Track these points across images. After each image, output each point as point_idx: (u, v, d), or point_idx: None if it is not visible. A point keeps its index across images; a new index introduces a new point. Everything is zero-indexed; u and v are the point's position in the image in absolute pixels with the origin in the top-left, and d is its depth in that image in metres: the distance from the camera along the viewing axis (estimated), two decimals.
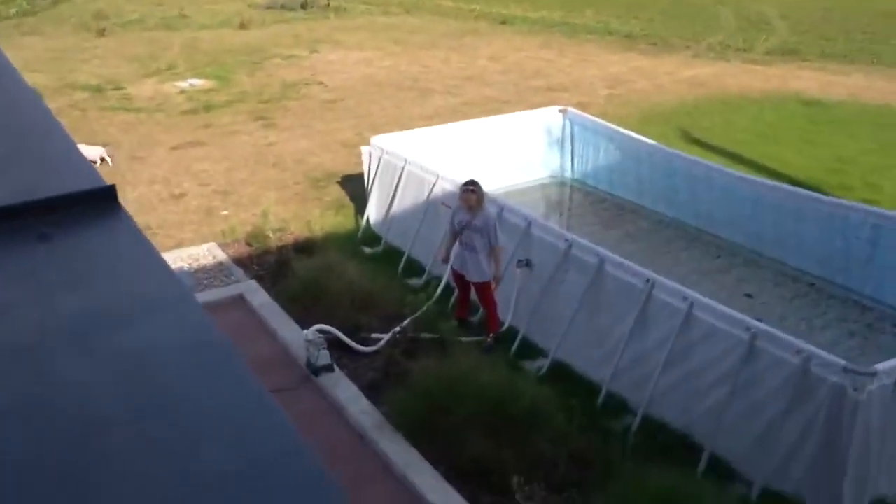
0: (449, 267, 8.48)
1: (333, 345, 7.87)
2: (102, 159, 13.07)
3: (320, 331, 7.80)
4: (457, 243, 8.16)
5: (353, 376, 7.58)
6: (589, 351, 7.56)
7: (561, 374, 7.67)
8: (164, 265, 1.65)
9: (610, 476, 5.87)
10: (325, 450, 6.53)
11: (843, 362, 5.38)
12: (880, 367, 5.38)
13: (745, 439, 6.10)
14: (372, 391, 7.26)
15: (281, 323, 8.49)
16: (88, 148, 12.46)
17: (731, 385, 6.07)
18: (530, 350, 8.12)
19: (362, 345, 8.01)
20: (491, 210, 8.14)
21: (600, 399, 7.14)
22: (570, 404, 6.81)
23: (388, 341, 7.94)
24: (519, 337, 8.16)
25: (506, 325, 8.52)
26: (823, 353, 5.55)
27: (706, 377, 6.40)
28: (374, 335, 8.17)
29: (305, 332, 7.75)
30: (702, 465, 6.15)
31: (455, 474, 6.14)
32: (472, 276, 8.11)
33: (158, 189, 12.41)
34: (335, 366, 7.62)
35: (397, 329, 8.03)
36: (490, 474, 6.01)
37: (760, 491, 5.86)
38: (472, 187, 7.93)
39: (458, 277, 8.36)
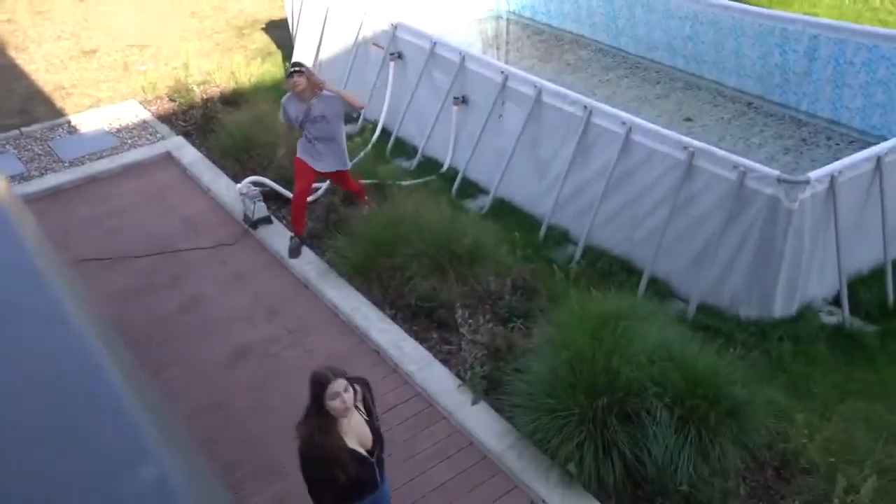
0: (302, 153, 6.87)
1: (270, 197, 7.67)
2: None
3: (254, 183, 7.56)
4: (303, 140, 6.79)
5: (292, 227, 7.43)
6: (530, 185, 7.50)
7: (503, 211, 7.64)
8: None
9: (554, 304, 5.98)
10: (270, 301, 6.50)
11: (776, 173, 5.40)
12: (812, 175, 5.43)
13: (684, 259, 6.22)
14: (313, 240, 7.15)
15: (213, 178, 8.20)
16: None
17: (669, 206, 6.10)
18: (471, 188, 8.03)
19: None
20: (328, 93, 6.57)
21: (542, 231, 7.16)
22: (512, 238, 6.83)
23: (325, 189, 7.75)
24: (459, 176, 8.03)
25: (446, 166, 8.37)
26: (758, 167, 5.56)
27: (645, 201, 6.42)
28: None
29: (239, 185, 7.50)
30: (642, 288, 6.29)
31: (402, 315, 6.19)
32: (332, 166, 6.88)
33: (67, 45, 11.53)
34: (273, 217, 7.45)
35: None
36: (436, 311, 6.07)
37: (697, 307, 6.05)
38: (297, 69, 6.46)
39: (306, 172, 6.86)
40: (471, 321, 6.06)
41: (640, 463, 4.51)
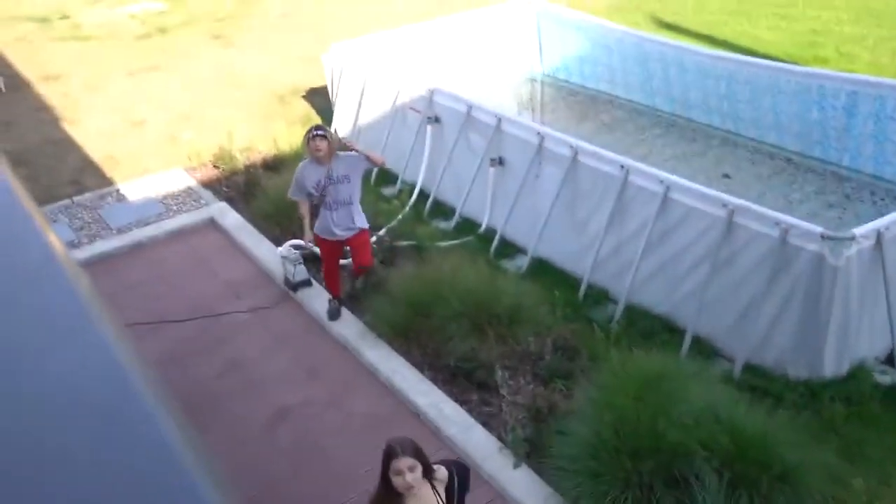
0: (321, 229, 6.61)
1: (310, 260, 7.76)
2: None
3: (295, 246, 7.67)
4: (322, 211, 6.46)
5: None
6: (568, 244, 7.49)
7: (542, 270, 7.62)
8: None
9: (595, 364, 5.89)
10: (310, 363, 6.52)
11: (820, 229, 5.32)
12: (857, 231, 5.33)
13: (727, 317, 6.11)
14: (352, 302, 7.19)
15: (255, 242, 8.35)
16: None
17: (710, 264, 6.03)
18: (510, 248, 8.05)
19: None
20: (345, 153, 6.38)
21: (582, 291, 7.11)
22: (552, 298, 6.79)
23: None
24: (497, 236, 8.06)
25: (484, 226, 8.42)
26: (801, 223, 5.49)
27: (686, 259, 6.35)
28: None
29: (280, 248, 7.62)
30: (685, 347, 6.18)
31: (441, 376, 6.15)
32: (348, 232, 6.53)
33: (117, 118, 11.99)
34: (313, 280, 7.53)
35: (374, 238, 7.90)
36: (476, 372, 6.02)
37: (743, 366, 5.91)
38: (320, 132, 6.20)
39: (331, 249, 6.75)
40: (511, 382, 6.00)
41: None
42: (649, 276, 6.66)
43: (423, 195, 9.08)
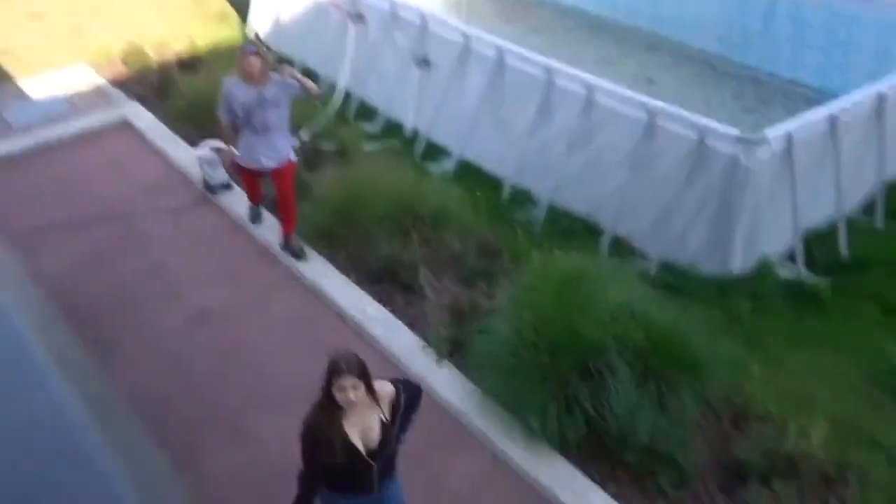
0: (244, 153, 6.08)
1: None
2: None
3: (213, 148, 7.42)
4: (245, 136, 5.96)
5: None
6: (493, 147, 7.49)
7: (467, 173, 7.63)
8: None
9: (517, 265, 6.01)
10: (232, 266, 6.44)
11: (736, 132, 5.46)
12: (769, 133, 5.50)
13: (645, 218, 6.28)
14: (275, 206, 7.06)
15: (170, 144, 8.04)
16: None
17: (631, 166, 6.15)
18: (435, 151, 8.00)
19: None
20: (279, 76, 5.77)
21: (505, 193, 7.17)
22: (476, 200, 6.83)
23: None
24: (422, 139, 7.98)
25: (409, 129, 8.31)
26: (717, 126, 5.62)
27: (607, 161, 6.45)
28: None
29: (197, 150, 7.37)
30: (604, 247, 6.35)
31: (365, 279, 6.17)
32: (273, 162, 6.02)
33: (15, 7, 11.12)
34: (233, 183, 7.34)
35: (296, 141, 7.71)
36: (400, 274, 6.06)
37: (659, 265, 6.13)
38: (253, 49, 5.72)
39: (253, 179, 6.44)
40: (435, 283, 6.07)
41: (602, 418, 4.58)
42: (572, 177, 6.76)
43: (347, 97, 8.86)
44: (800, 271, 6.07)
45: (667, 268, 6.15)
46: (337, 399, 3.12)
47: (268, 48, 9.82)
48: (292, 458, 4.69)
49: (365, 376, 3.15)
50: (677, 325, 4.88)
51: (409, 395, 3.45)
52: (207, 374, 5.37)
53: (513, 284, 5.49)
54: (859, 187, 6.76)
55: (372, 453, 3.25)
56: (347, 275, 6.23)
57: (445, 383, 5.19)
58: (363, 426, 3.24)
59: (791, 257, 6.23)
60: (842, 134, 6.02)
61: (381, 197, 6.39)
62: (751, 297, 5.79)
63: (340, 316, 5.86)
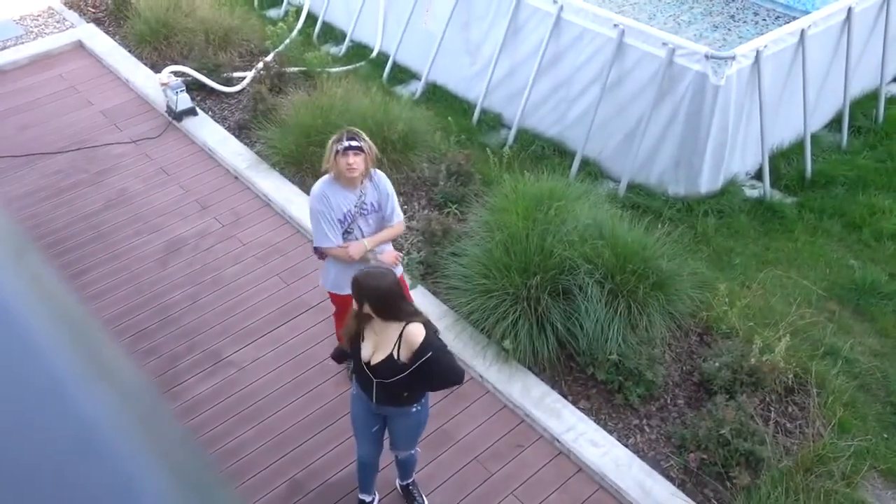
0: (329, 279, 4.39)
1: (193, 87, 7.36)
2: None
3: (176, 73, 7.23)
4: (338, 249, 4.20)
5: (220, 118, 7.20)
6: (462, 69, 7.37)
7: (435, 96, 7.53)
8: None
9: (488, 188, 6.02)
10: (201, 194, 6.37)
11: (704, 49, 5.43)
12: (738, 50, 5.48)
13: (615, 139, 6.29)
14: (242, 131, 6.95)
15: (130, 68, 7.79)
16: None
17: (601, 86, 6.10)
18: (403, 74, 7.86)
19: (224, 84, 7.52)
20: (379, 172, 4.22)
21: (475, 116, 7.11)
22: (446, 124, 6.77)
23: (252, 78, 7.48)
24: (390, 62, 7.83)
25: (376, 51, 8.13)
26: (687, 43, 5.58)
27: (577, 82, 6.40)
28: (235, 74, 7.65)
29: (159, 75, 7.16)
30: (574, 169, 6.37)
31: None
32: None
33: None
34: (198, 109, 7.18)
35: (260, 65, 7.53)
36: None
37: (627, 186, 6.18)
38: (357, 142, 3.94)
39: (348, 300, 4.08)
40: (406, 208, 6.07)
41: (572, 336, 4.69)
42: (541, 99, 6.70)
43: (312, 18, 8.62)
44: (766, 190, 6.16)
45: (635, 188, 6.20)
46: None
47: None
48: (268, 382, 4.79)
49: (376, 305, 3.30)
50: (645, 244, 4.97)
51: (431, 364, 3.29)
52: (182, 303, 5.37)
53: (484, 207, 5.52)
54: (826, 105, 6.82)
55: (371, 367, 3.38)
56: None
57: (419, 305, 5.24)
58: (377, 341, 3.39)
59: (758, 176, 6.31)
60: (809, 51, 6.02)
61: (348, 121, 6.29)
62: (717, 215, 5.89)
63: (311, 241, 5.84)
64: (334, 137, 3.95)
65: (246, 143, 6.82)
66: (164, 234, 5.95)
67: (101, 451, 0.62)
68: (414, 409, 3.56)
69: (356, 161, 3.90)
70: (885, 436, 4.40)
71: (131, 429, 0.67)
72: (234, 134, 6.92)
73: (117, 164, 6.70)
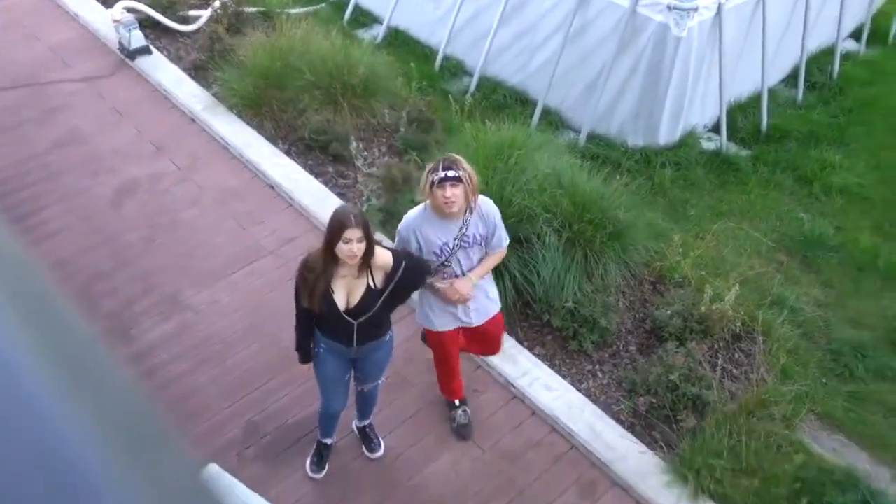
0: (435, 311, 3.96)
1: (147, 25, 7.13)
2: None
3: (129, 9, 6.98)
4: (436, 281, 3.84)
5: (175, 58, 7.01)
6: (424, 14, 7.27)
7: (397, 41, 7.43)
8: None
9: (449, 136, 5.99)
10: (155, 135, 6.23)
11: (667, 0, 5.43)
12: (700, 2, 5.50)
13: (576, 89, 6.30)
14: (198, 72, 6.78)
15: (80, 2, 7.51)
16: None
17: (563, 35, 6.08)
18: (364, 18, 7.73)
19: (180, 23, 7.29)
20: (481, 196, 3.75)
21: (438, 62, 7.04)
22: (407, 70, 6.69)
23: (208, 17, 7.26)
24: (351, 4, 7.68)
25: None
26: None
27: (540, 30, 6.37)
28: (191, 12, 7.42)
29: (111, 11, 6.91)
30: (535, 118, 6.37)
31: (295, 149, 6.08)
32: (480, 316, 3.97)
33: None
34: (152, 47, 6.97)
35: (217, 3, 7.31)
36: (331, 145, 5.98)
37: (588, 136, 6.21)
38: (454, 171, 3.49)
39: (452, 340, 4.08)
40: (366, 154, 6.03)
41: (529, 284, 4.76)
42: (504, 47, 6.66)
43: None
44: (722, 142, 6.25)
45: (595, 139, 6.24)
46: (338, 251, 3.17)
47: None
48: (226, 325, 4.78)
49: (368, 233, 3.20)
50: (603, 194, 5.02)
51: (411, 271, 3.42)
52: (138, 245, 5.29)
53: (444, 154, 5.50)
54: (783, 60, 6.90)
55: (350, 312, 3.37)
56: (276, 144, 6.11)
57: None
58: (350, 284, 3.34)
59: (715, 128, 6.40)
60: (769, 5, 6.06)
61: (308, 64, 6.18)
62: (674, 167, 5.97)
63: (270, 186, 5.80)
64: (430, 166, 3.54)
65: (202, 85, 6.66)
66: (118, 175, 5.83)
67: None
68: (387, 338, 3.64)
69: (454, 194, 3.46)
70: (824, 381, 4.59)
71: (59, 380, 0.58)
72: (189, 75, 6.74)
73: (68, 102, 6.49)
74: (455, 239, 3.66)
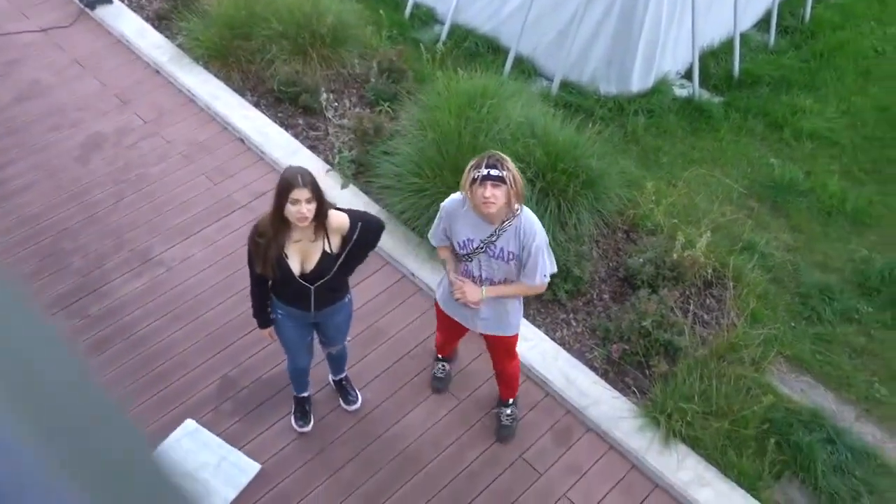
0: (440, 292, 3.87)
1: None
2: None
3: None
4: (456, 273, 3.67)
5: (137, 7, 6.81)
6: None
7: None
8: None
9: (421, 85, 5.91)
10: (120, 88, 6.08)
11: None
12: None
13: (548, 36, 6.22)
14: (161, 22, 6.59)
15: None
16: None
17: None
18: None
19: None
20: (529, 213, 3.45)
21: (408, 11, 6.90)
22: (377, 18, 6.55)
23: None
24: None
25: None
26: None
27: None
28: None
29: None
30: (507, 67, 6.30)
31: (264, 101, 5.97)
32: (486, 328, 3.77)
33: None
34: None
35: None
36: (300, 96, 5.88)
37: (560, 84, 6.16)
38: (498, 170, 3.22)
39: (452, 327, 3.96)
40: (337, 105, 5.94)
41: None
42: None
43: None
44: (695, 89, 6.24)
45: (568, 87, 6.19)
46: (287, 213, 3.08)
47: None
48: (198, 280, 4.75)
49: (318, 194, 3.09)
50: (577, 143, 5.01)
51: (366, 231, 3.36)
52: (106, 201, 5.20)
53: (416, 105, 5.43)
54: (756, 4, 6.86)
55: (306, 277, 3.30)
56: (244, 96, 5.99)
57: (350, 204, 5.22)
58: (305, 248, 3.26)
59: (688, 75, 6.37)
60: None
61: (275, 13, 6.04)
62: (647, 114, 5.96)
63: (240, 139, 5.70)
64: (473, 162, 3.28)
65: (166, 36, 6.49)
66: (83, 129, 5.70)
67: None
68: (347, 300, 3.61)
69: (494, 194, 3.19)
70: (793, 324, 4.68)
71: None
72: (152, 25, 6.56)
73: (26, 54, 6.30)
74: (482, 241, 3.42)
